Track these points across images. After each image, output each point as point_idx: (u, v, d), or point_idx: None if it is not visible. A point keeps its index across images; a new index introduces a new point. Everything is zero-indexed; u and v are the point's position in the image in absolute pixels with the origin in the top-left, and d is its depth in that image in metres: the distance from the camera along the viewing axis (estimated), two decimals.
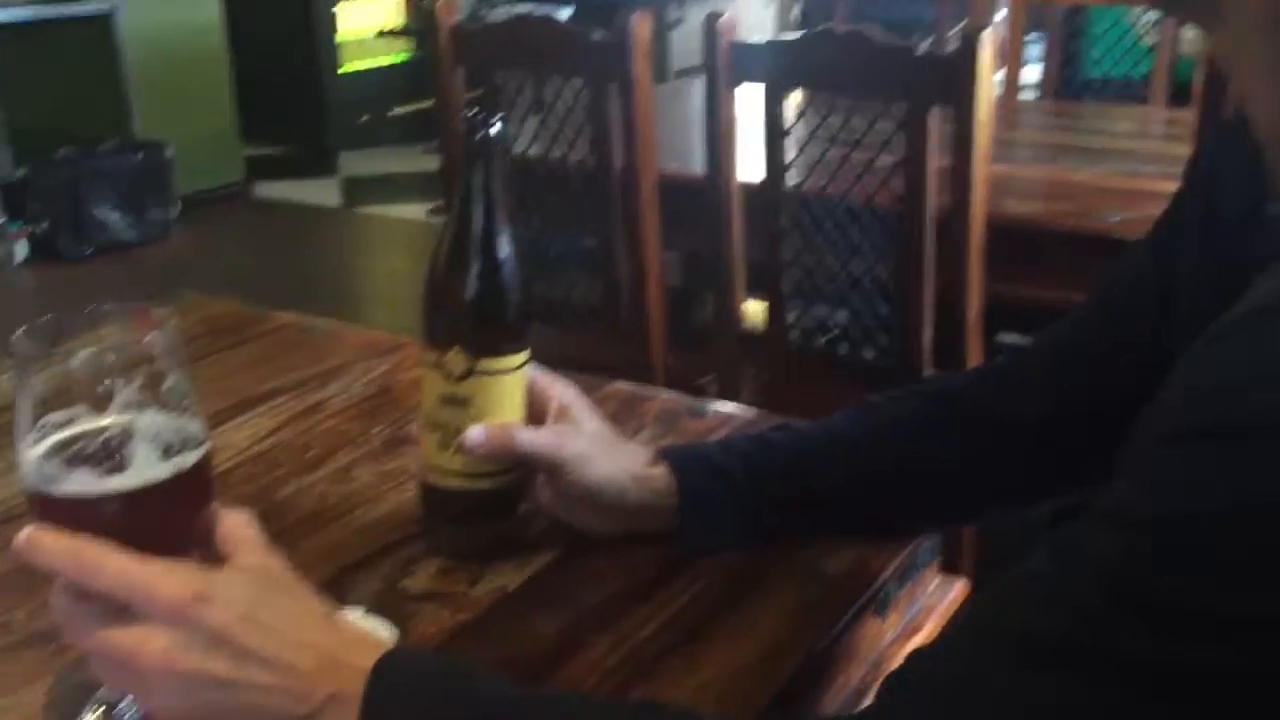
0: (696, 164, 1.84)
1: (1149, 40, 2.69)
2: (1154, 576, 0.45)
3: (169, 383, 0.59)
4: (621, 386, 1.06)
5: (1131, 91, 2.59)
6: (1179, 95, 2.37)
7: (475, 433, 0.77)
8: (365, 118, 5.80)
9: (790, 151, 1.67)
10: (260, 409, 1.02)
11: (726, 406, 1.04)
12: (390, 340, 1.15)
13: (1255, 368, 0.46)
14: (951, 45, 1.50)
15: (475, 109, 0.75)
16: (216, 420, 0.97)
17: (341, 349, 1.14)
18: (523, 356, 0.79)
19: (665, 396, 1.05)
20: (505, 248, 0.76)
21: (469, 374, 0.76)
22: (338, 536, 0.83)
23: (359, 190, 5.18)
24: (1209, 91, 1.53)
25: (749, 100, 1.68)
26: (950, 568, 0.91)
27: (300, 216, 4.90)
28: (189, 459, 0.60)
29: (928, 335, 1.61)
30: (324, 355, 1.13)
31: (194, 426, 0.60)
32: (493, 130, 0.75)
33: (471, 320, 0.77)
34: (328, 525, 0.85)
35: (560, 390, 0.83)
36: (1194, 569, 0.45)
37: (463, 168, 0.76)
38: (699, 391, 1.89)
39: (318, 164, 5.52)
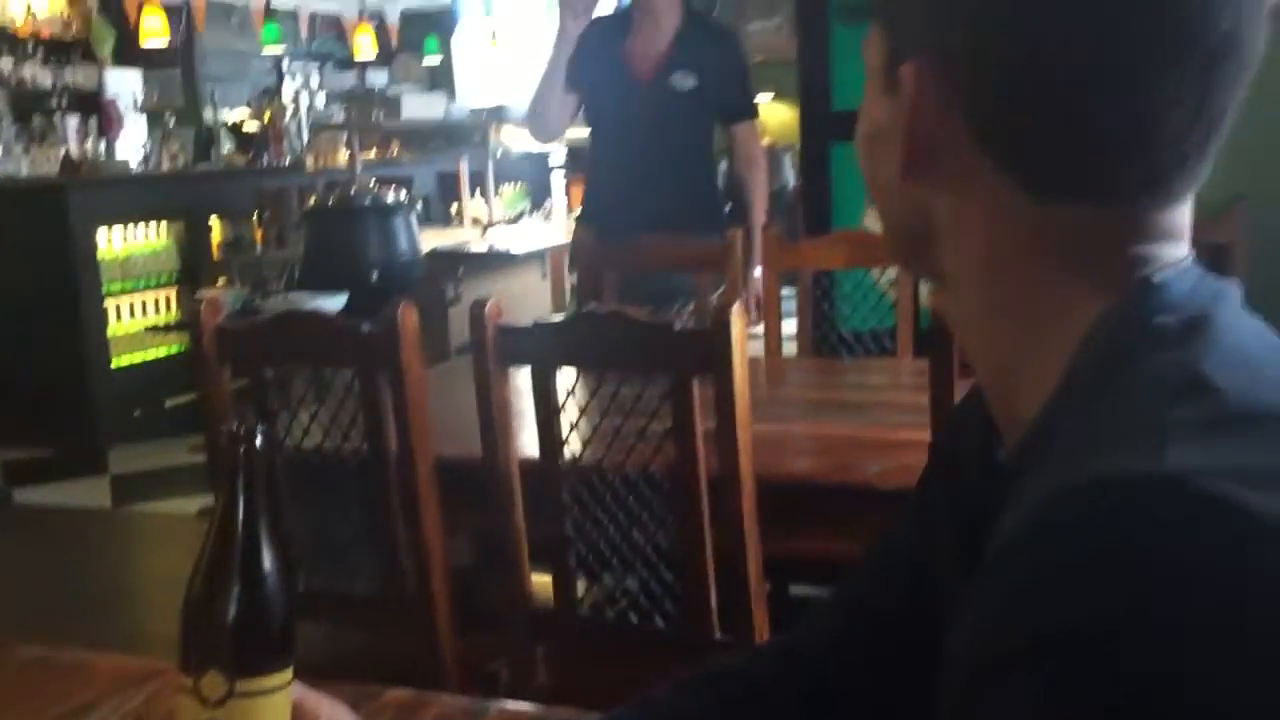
0: (478, 443, 1.85)
1: (891, 296, 2.92)
2: None
3: None
4: (399, 694, 1.01)
5: (881, 344, 2.77)
6: (924, 345, 2.56)
7: None
8: (138, 412, 5.63)
9: (565, 426, 1.70)
10: None
11: (509, 704, 1.01)
12: (144, 668, 1.08)
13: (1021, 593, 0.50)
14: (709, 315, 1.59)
15: (236, 423, 0.74)
16: None
17: (92, 682, 1.06)
18: (286, 675, 0.74)
19: (445, 700, 1.01)
20: (268, 561, 0.74)
21: (227, 697, 0.72)
22: None
23: (130, 488, 4.96)
24: (936, 345, 1.65)
25: (523, 377, 1.72)
26: None
27: (65, 521, 4.63)
28: None
29: (713, 599, 1.63)
30: (71, 691, 1.04)
31: None
32: (253, 443, 0.74)
33: (230, 638, 0.73)
34: None
35: (328, 710, 0.79)
36: None
37: (223, 480, 0.74)
38: (490, 678, 1.83)
39: (85, 463, 5.27)
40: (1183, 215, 0.61)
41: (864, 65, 0.68)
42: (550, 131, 3.48)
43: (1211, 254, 2.50)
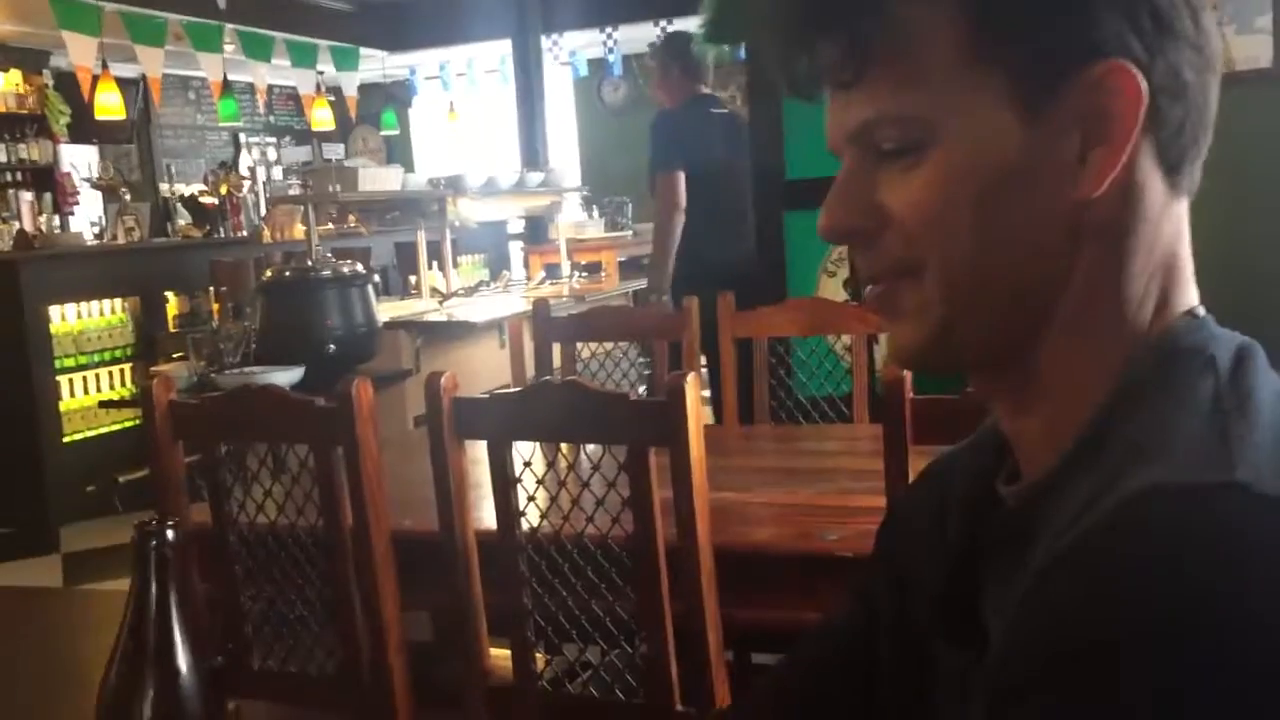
0: (435, 515, 1.84)
1: (846, 362, 2.94)
2: None
3: None
4: None
5: (838, 409, 2.79)
6: (879, 409, 2.58)
7: None
8: (91, 487, 5.54)
9: (522, 497, 1.70)
10: None
11: None
12: None
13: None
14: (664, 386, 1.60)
15: (147, 523, 0.73)
16: None
17: None
18: None
19: None
20: (183, 660, 0.72)
21: None
22: None
23: (81, 566, 4.87)
24: (891, 410, 1.67)
25: (480, 448, 1.72)
26: None
27: (16, 602, 4.53)
28: None
29: (674, 670, 1.62)
30: None
31: None
32: (165, 541, 0.73)
33: None
34: None
35: None
36: None
37: (134, 582, 0.73)
38: None
39: (37, 541, 5.17)
40: None
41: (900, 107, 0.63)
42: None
43: None
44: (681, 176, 4.16)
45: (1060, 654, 0.51)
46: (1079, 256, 0.63)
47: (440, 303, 5.24)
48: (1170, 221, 0.65)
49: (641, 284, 5.22)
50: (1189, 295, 0.66)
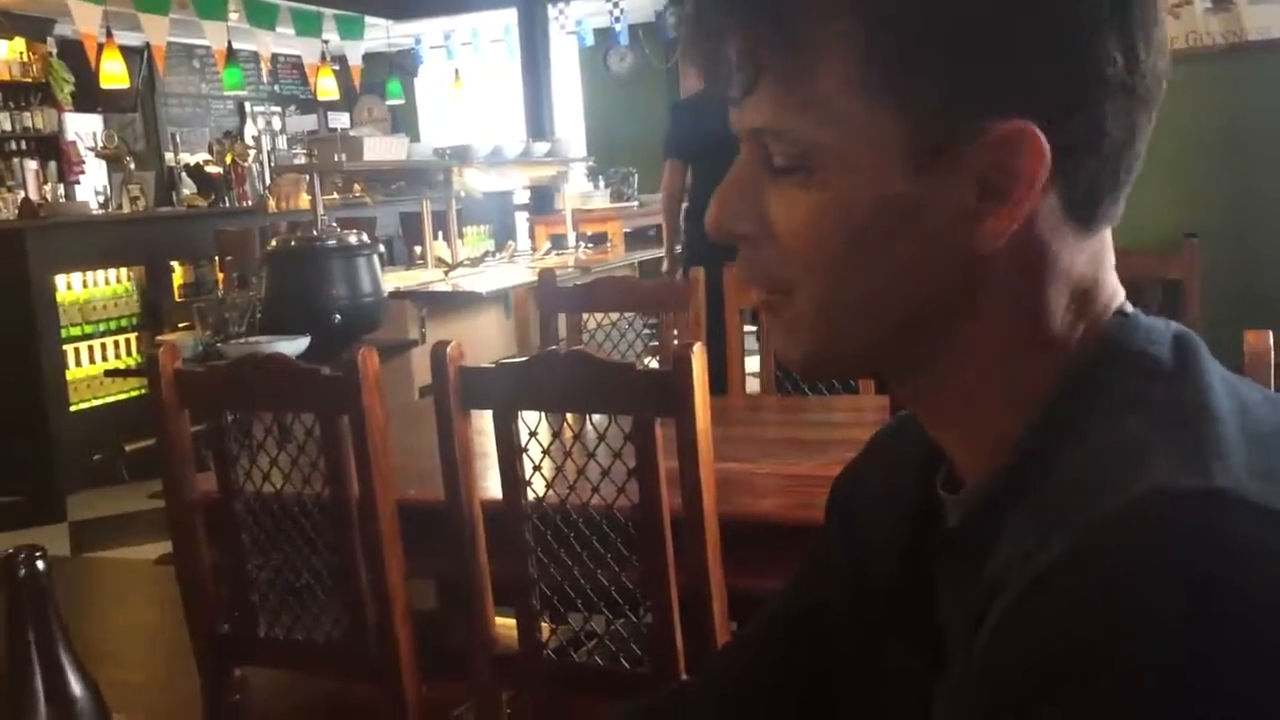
0: (441, 485, 1.84)
1: None
2: None
3: None
4: None
5: (844, 381, 2.78)
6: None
7: None
8: (97, 456, 5.56)
9: (528, 467, 1.70)
10: None
11: None
12: None
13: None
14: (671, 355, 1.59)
15: (16, 552, 0.72)
16: None
17: None
18: None
19: None
20: (75, 686, 0.71)
21: None
22: None
23: (89, 534, 4.89)
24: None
25: (486, 419, 1.72)
26: None
27: None
28: None
29: (679, 640, 1.62)
30: None
31: None
32: (35, 570, 0.72)
33: None
34: None
35: None
36: None
37: (7, 616, 0.72)
38: None
39: (45, 510, 5.20)
40: None
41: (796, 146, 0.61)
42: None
43: (1165, 290, 2.55)
44: (677, 164, 4.62)
45: (1067, 666, 0.49)
46: (980, 293, 0.61)
47: (446, 273, 5.23)
48: (1084, 254, 0.62)
49: (648, 255, 5.37)
50: (1115, 296, 0.63)
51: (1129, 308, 0.63)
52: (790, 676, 0.81)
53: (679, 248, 4.87)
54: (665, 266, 4.94)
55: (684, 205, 4.73)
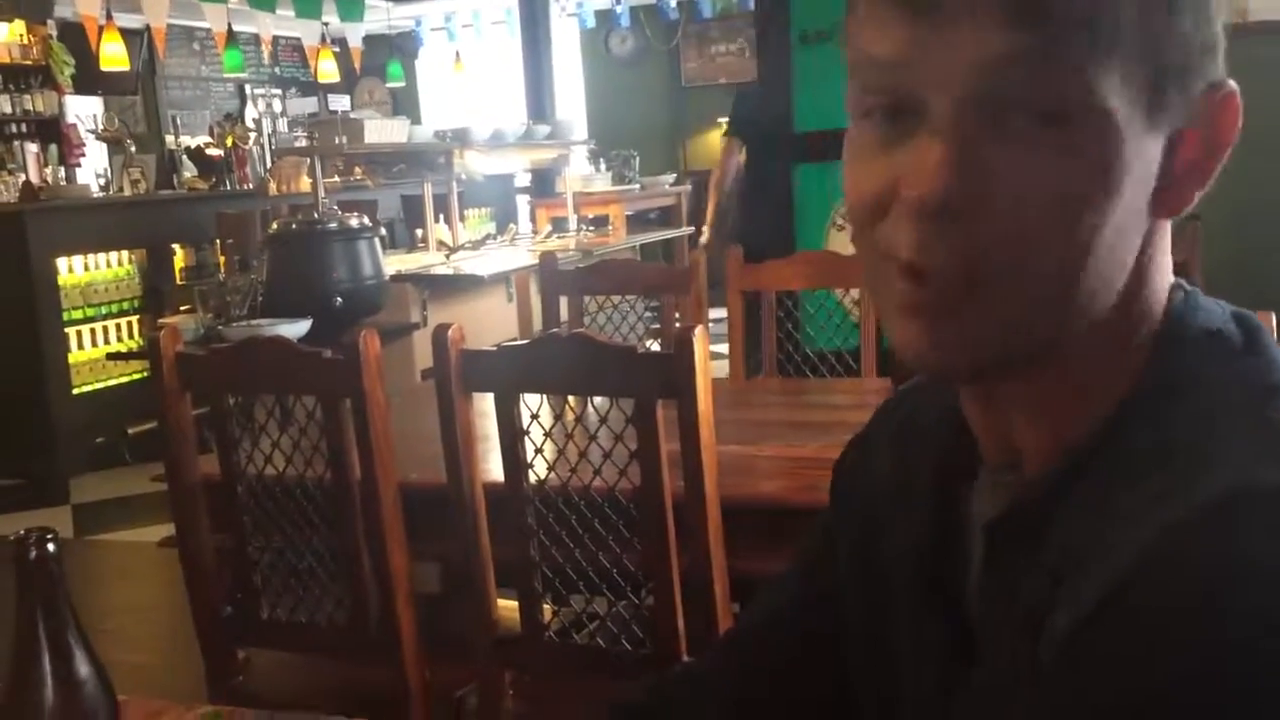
0: (443, 468, 1.84)
1: (854, 316, 2.94)
2: None
3: None
4: None
5: (846, 364, 2.79)
6: (888, 364, 2.57)
7: None
8: (100, 439, 5.57)
9: (530, 450, 1.70)
10: None
11: None
12: None
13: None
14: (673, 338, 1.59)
15: (27, 534, 0.72)
16: None
17: None
18: None
19: None
20: (83, 669, 0.72)
21: None
22: None
23: (91, 517, 4.90)
24: (899, 364, 1.66)
25: (487, 401, 1.72)
26: None
27: None
28: None
29: (680, 622, 1.63)
30: None
31: None
32: (45, 554, 0.72)
33: None
34: None
35: None
36: None
37: (18, 597, 0.72)
38: (458, 705, 1.82)
39: (48, 492, 5.21)
40: None
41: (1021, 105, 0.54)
42: None
43: None
44: (736, 142, 4.76)
45: (1161, 676, 0.48)
46: (1135, 267, 0.59)
47: (447, 256, 5.22)
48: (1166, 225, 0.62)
49: (649, 238, 5.46)
50: (1170, 271, 0.63)
51: (1185, 283, 0.63)
52: (799, 666, 0.80)
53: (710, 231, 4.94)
54: (704, 239, 4.96)
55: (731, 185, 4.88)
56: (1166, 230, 0.61)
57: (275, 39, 8.64)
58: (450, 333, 1.70)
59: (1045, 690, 0.53)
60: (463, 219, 6.07)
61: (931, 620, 0.68)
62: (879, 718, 0.74)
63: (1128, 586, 0.50)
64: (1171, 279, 0.62)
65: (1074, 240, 0.55)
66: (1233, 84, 0.58)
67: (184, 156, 7.49)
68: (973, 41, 0.53)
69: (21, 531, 0.71)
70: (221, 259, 5.89)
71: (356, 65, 9.07)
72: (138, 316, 5.95)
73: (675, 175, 8.38)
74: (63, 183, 7.26)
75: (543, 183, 7.50)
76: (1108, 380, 0.59)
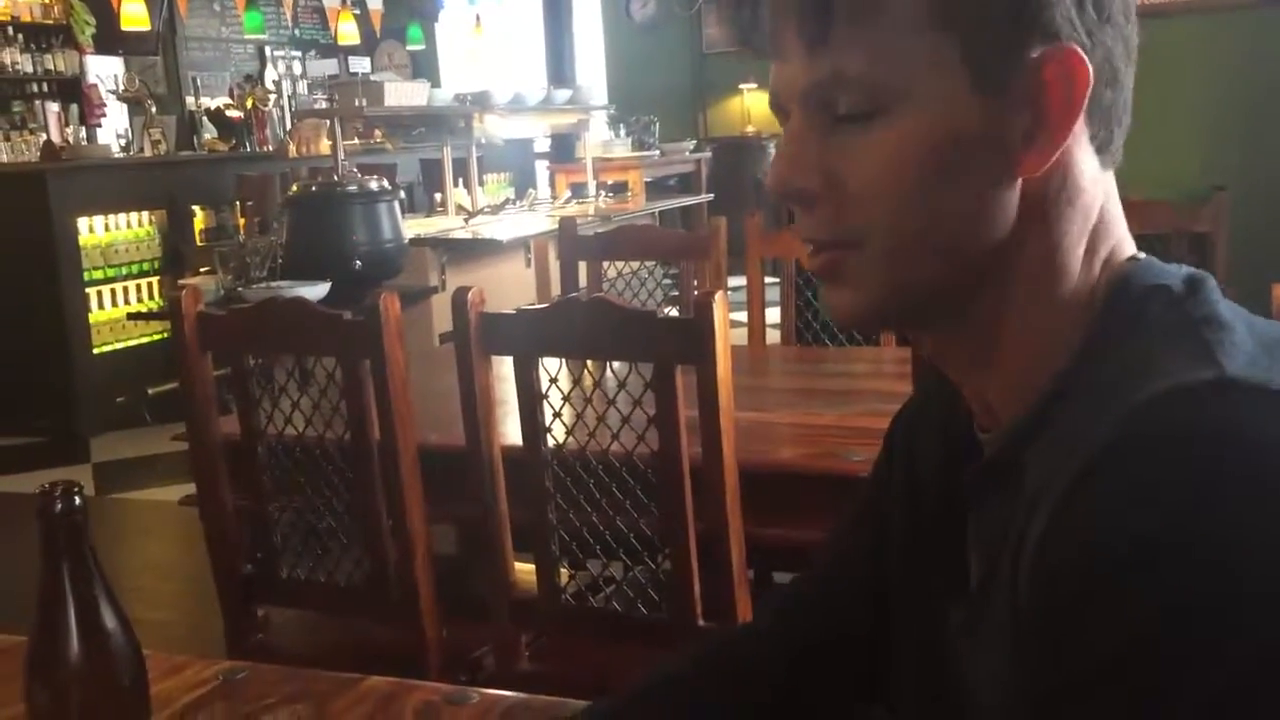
0: (462, 430, 1.85)
1: None
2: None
3: None
4: (380, 682, 1.01)
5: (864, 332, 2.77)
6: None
7: None
8: (120, 399, 5.60)
9: (548, 414, 1.70)
10: None
11: (492, 692, 1.01)
12: None
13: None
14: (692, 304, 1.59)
15: (53, 487, 0.73)
16: None
17: None
18: None
19: (427, 688, 1.01)
20: (109, 621, 0.73)
21: None
22: None
23: (112, 476, 4.94)
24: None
25: (506, 365, 1.72)
26: None
27: None
28: None
29: (696, 587, 1.63)
30: None
31: None
32: (71, 504, 0.72)
33: (77, 700, 0.72)
34: None
35: None
36: None
37: (43, 550, 0.73)
38: (474, 666, 1.84)
39: (68, 451, 5.25)
40: None
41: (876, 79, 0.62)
42: None
43: (1193, 242, 2.53)
44: None
45: (1113, 561, 0.52)
46: (1021, 226, 0.64)
47: (466, 220, 5.22)
48: (1100, 190, 0.66)
49: (668, 204, 5.33)
50: (1127, 243, 0.67)
51: (1141, 255, 0.67)
52: (849, 617, 0.85)
53: None
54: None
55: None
56: (1092, 192, 0.65)
57: (296, 1, 8.61)
58: (470, 295, 1.70)
59: (1009, 601, 0.59)
60: (482, 183, 6.06)
61: (941, 571, 0.72)
62: (911, 659, 0.77)
63: (1079, 485, 0.55)
64: (1127, 253, 0.67)
65: (921, 206, 0.63)
66: (1071, 46, 0.61)
67: (204, 118, 7.49)
68: (799, 70, 0.64)
69: (46, 485, 0.72)
70: (241, 221, 5.89)
71: (377, 28, 9.04)
72: (158, 277, 5.97)
73: (695, 141, 8.33)
74: (84, 143, 7.28)
75: (562, 148, 7.49)
76: (1056, 336, 0.64)
